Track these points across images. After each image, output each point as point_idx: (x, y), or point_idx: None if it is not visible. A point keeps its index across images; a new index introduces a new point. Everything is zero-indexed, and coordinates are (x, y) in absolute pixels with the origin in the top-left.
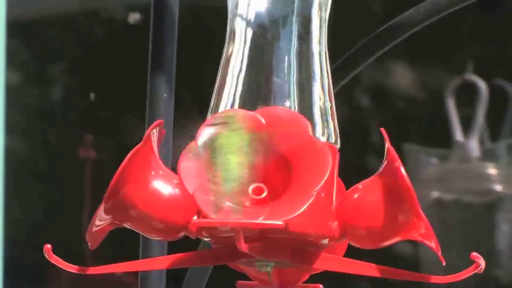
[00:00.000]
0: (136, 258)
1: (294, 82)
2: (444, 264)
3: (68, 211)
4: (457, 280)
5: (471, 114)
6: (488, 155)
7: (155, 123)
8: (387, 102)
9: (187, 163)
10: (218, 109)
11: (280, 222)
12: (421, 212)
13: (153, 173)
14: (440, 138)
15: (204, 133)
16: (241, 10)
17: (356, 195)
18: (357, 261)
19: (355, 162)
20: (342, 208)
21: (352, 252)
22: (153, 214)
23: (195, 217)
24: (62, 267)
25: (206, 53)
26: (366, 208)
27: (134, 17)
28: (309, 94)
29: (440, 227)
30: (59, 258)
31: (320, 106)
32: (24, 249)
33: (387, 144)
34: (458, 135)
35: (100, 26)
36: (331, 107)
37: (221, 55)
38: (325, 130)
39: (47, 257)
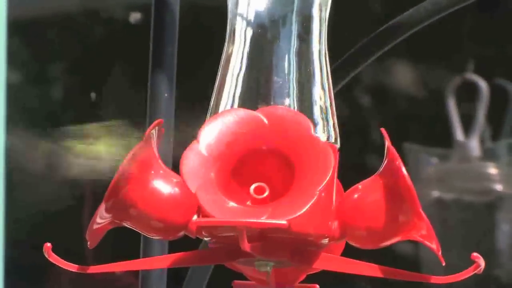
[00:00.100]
0: (137, 257)
1: (294, 81)
2: (444, 264)
3: (69, 211)
4: (457, 280)
5: (472, 113)
6: (488, 155)
7: (155, 122)
8: (387, 102)
9: (189, 162)
10: (218, 109)
11: (284, 222)
12: (422, 212)
13: (153, 172)
14: (441, 138)
15: (206, 133)
16: (241, 9)
17: (356, 195)
18: (357, 261)
19: (355, 162)
20: (342, 208)
21: (352, 252)
22: (153, 213)
23: (195, 217)
24: (61, 266)
25: (206, 53)
26: (366, 208)
27: (134, 16)
28: (309, 93)
29: (441, 226)
30: (58, 257)
31: (320, 105)
32: (25, 249)
33: (387, 144)
34: (459, 134)
35: (101, 26)
36: (331, 107)
37: (221, 54)
38: (325, 130)
39: (46, 256)
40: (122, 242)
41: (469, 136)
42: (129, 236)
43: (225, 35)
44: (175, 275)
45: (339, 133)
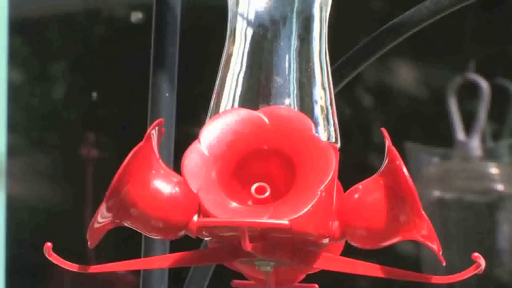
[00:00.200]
0: (138, 257)
1: (295, 81)
2: (444, 264)
3: (71, 210)
4: (458, 280)
5: (473, 113)
6: (489, 154)
7: (156, 122)
8: (388, 101)
9: (190, 162)
10: (219, 109)
11: (286, 222)
12: (422, 212)
13: (153, 172)
14: (442, 137)
15: (207, 132)
16: (242, 9)
17: (356, 195)
18: (358, 261)
19: (357, 161)
20: (342, 208)
21: (352, 252)
22: (153, 213)
23: (195, 216)
24: (62, 266)
25: (208, 53)
26: (367, 208)
27: (136, 16)
28: (310, 93)
29: (441, 226)
30: (58, 257)
31: (320, 105)
32: (27, 248)
33: (388, 143)
34: (460, 134)
35: (102, 25)
36: (331, 107)
37: (222, 54)
38: (325, 130)
39: (47, 255)
40: (124, 243)
41: (470, 136)
42: (131, 236)
43: (226, 35)
44: (176, 276)
45: (340, 132)
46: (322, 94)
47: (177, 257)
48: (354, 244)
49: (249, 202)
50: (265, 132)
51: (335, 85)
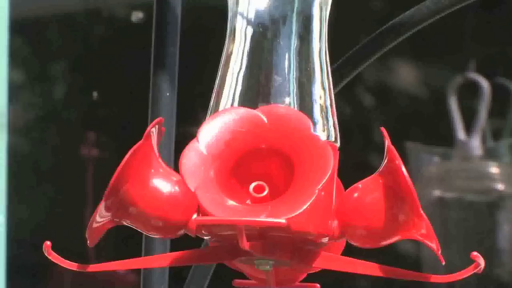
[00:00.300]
0: (139, 257)
1: (294, 80)
2: (443, 263)
3: (71, 210)
4: (457, 279)
5: (473, 112)
6: (490, 154)
7: (155, 121)
8: (389, 101)
9: (188, 161)
10: (218, 108)
11: (283, 221)
12: (421, 211)
13: (153, 171)
14: (442, 137)
15: (205, 131)
16: (242, 8)
17: (356, 194)
18: (358, 260)
19: (357, 161)
20: (342, 207)
21: (352, 252)
22: (152, 212)
23: (195, 215)
24: (61, 265)
25: (208, 52)
26: (366, 207)
27: (136, 15)
28: (309, 92)
29: (442, 225)
30: (58, 256)
31: (320, 104)
32: (27, 248)
33: (387, 143)
34: (460, 133)
35: (103, 25)
36: (331, 106)
37: (222, 53)
38: (325, 129)
39: (46, 254)
40: (124, 242)
41: (470, 135)
42: (131, 236)
43: (226, 35)
44: (177, 275)
45: (340, 132)
46: (322, 94)
47: (177, 256)
48: (354, 243)
49: (248, 201)
50: (264, 131)
51: (335, 85)
